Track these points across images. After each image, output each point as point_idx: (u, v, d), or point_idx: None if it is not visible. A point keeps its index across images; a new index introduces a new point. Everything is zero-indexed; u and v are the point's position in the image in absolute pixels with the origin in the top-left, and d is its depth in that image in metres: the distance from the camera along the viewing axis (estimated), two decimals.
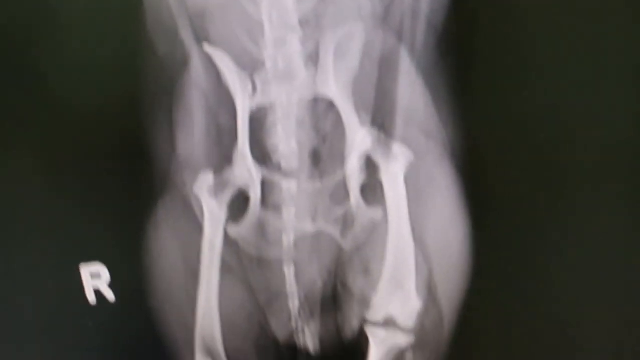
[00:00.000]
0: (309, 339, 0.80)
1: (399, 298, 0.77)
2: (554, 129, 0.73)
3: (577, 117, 0.73)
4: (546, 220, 0.75)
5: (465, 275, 0.77)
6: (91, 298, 0.78)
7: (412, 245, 0.76)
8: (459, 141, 0.73)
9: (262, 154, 0.75)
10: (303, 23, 0.72)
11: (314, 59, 0.73)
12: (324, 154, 0.75)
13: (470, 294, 0.77)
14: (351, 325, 0.79)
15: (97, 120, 0.74)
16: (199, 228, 0.77)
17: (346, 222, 0.77)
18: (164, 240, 0.77)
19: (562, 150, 0.74)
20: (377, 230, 0.76)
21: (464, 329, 0.78)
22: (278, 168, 0.75)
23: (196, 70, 0.73)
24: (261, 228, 0.77)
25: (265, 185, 0.76)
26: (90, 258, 0.77)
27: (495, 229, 0.76)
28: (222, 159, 0.75)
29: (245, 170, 0.75)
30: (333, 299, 0.79)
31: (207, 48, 0.73)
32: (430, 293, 0.77)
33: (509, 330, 0.79)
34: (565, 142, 0.73)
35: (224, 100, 0.74)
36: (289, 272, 0.78)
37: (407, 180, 0.74)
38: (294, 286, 0.78)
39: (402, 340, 0.78)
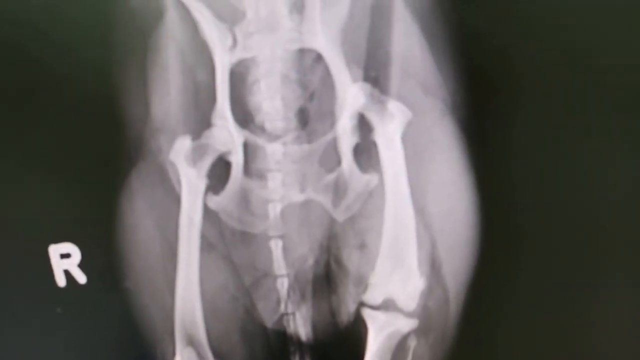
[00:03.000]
0: (300, 324, 0.73)
1: (399, 276, 0.70)
2: (572, 72, 0.66)
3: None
4: (559, 182, 0.68)
5: (472, 247, 0.69)
6: (60, 280, 0.72)
7: (412, 215, 0.69)
8: (461, 96, 0.67)
9: (243, 115, 0.69)
10: None
11: (298, 6, 0.67)
12: (312, 113, 0.69)
13: (479, 270, 0.70)
14: (347, 309, 0.72)
15: (63, 82, 0.68)
16: (176, 200, 0.71)
17: (338, 190, 0.70)
18: (138, 215, 0.71)
19: (577, 101, 0.67)
20: (373, 198, 0.70)
21: (472, 310, 0.71)
22: (262, 130, 0.69)
23: (172, 23, 0.68)
24: (244, 198, 0.70)
25: (247, 150, 0.70)
26: (59, 237, 0.71)
27: (503, 194, 0.69)
28: (200, 121, 0.69)
29: (226, 133, 0.69)
30: (326, 278, 0.72)
31: None
32: (433, 269, 0.70)
33: (522, 310, 0.72)
34: (584, 91, 0.67)
35: (202, 56, 0.68)
36: (276, 247, 0.71)
37: (405, 141, 0.68)
38: (282, 264, 0.72)
39: (404, 324, 0.71)
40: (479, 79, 0.66)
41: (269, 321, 0.73)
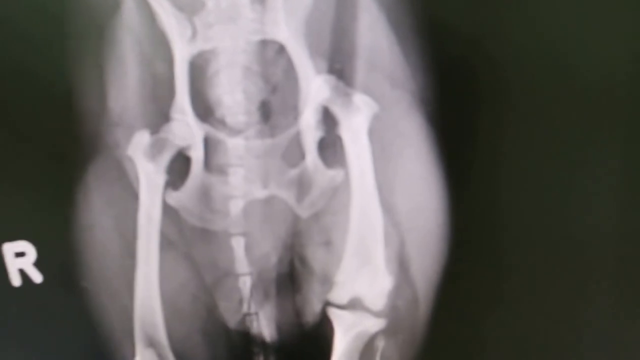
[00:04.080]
0: (264, 324, 0.71)
1: (366, 275, 0.68)
2: (541, 67, 0.65)
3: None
4: (531, 178, 0.67)
5: (441, 245, 0.68)
6: (15, 279, 0.70)
7: (379, 212, 0.67)
8: (430, 89, 0.65)
9: (203, 108, 0.67)
10: None
11: None
12: (274, 107, 0.67)
13: (449, 268, 0.68)
14: (312, 308, 0.70)
15: (16, 75, 0.66)
16: (134, 196, 0.68)
17: (302, 186, 0.68)
18: (95, 212, 0.69)
19: (551, 95, 0.66)
20: (338, 195, 0.68)
21: (442, 310, 0.69)
22: (222, 124, 0.67)
23: (129, 13, 0.65)
24: (205, 194, 0.68)
25: (208, 145, 0.67)
26: (13, 235, 0.69)
27: (473, 190, 0.67)
28: (159, 115, 0.67)
29: (185, 127, 0.67)
30: (290, 277, 0.70)
31: None
32: (402, 268, 0.68)
33: (492, 310, 0.70)
34: (558, 85, 0.65)
35: (160, 47, 0.66)
36: (238, 245, 0.69)
37: (371, 135, 0.66)
38: (245, 262, 0.70)
39: (371, 324, 0.69)
40: (448, 71, 0.65)
41: (232, 321, 0.71)
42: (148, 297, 0.70)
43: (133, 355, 0.71)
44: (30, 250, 0.69)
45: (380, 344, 0.70)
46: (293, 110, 0.67)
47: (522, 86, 0.65)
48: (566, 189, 0.67)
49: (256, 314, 0.71)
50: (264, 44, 0.66)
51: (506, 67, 0.65)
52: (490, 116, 0.66)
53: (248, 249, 0.69)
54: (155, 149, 0.67)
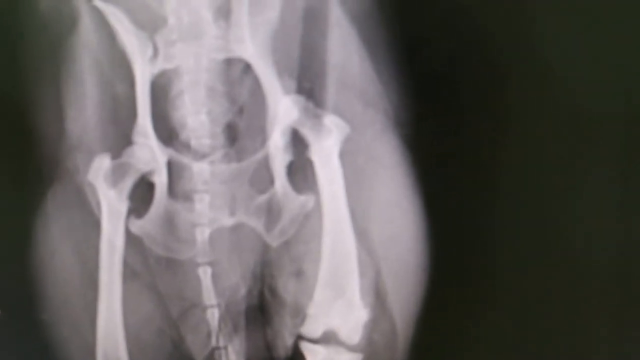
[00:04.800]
0: (233, 359, 0.68)
1: (340, 307, 0.66)
2: (525, 84, 0.63)
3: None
4: (512, 202, 0.65)
5: (420, 275, 0.65)
6: None
7: (352, 240, 0.65)
8: (405, 109, 0.63)
9: (167, 131, 0.65)
10: None
11: (224, 11, 0.63)
12: (241, 129, 0.64)
13: (428, 299, 0.65)
14: (284, 342, 0.67)
15: None
16: (95, 224, 0.66)
17: (271, 213, 0.66)
18: (55, 241, 0.66)
19: (533, 113, 0.64)
20: (309, 222, 0.65)
21: (421, 344, 0.66)
22: (187, 147, 0.65)
23: (86, 31, 0.64)
24: (169, 222, 0.66)
25: (172, 169, 0.65)
26: None
27: (452, 216, 0.65)
28: (120, 138, 0.65)
29: (148, 151, 0.65)
30: (260, 309, 0.68)
31: (98, 3, 0.63)
32: (378, 299, 0.66)
33: (474, 343, 0.67)
34: (539, 103, 0.63)
35: (120, 67, 0.64)
36: (205, 275, 0.66)
37: (343, 158, 0.64)
38: (212, 293, 0.67)
39: (347, 359, 0.66)
40: (424, 89, 0.63)
41: (199, 356, 0.68)
42: (111, 330, 0.67)
43: None
44: None
45: None
46: (260, 133, 0.64)
47: (505, 105, 0.63)
48: (550, 216, 0.65)
49: (225, 347, 0.68)
50: (229, 62, 0.64)
51: (486, 84, 0.63)
52: (469, 137, 0.64)
53: (216, 279, 0.66)
54: (117, 175, 0.65)
